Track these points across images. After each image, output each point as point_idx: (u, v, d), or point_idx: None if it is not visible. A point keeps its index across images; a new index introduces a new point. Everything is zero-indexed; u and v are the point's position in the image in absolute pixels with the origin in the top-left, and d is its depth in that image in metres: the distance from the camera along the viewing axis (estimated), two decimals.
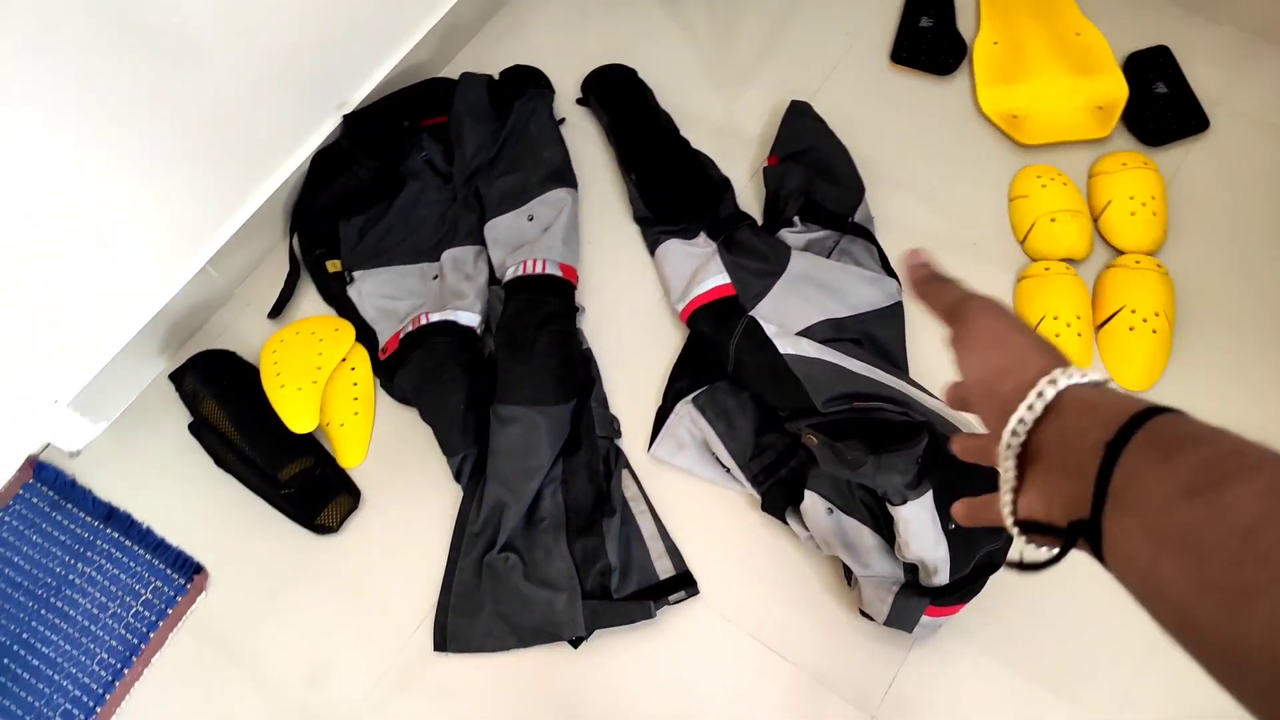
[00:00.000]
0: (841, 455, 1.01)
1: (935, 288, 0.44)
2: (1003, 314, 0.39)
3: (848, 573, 1.10)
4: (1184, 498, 0.28)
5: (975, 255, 1.30)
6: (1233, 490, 0.27)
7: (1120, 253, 1.27)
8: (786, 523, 1.14)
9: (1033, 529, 0.35)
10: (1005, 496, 0.37)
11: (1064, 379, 0.34)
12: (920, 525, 0.98)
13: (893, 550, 1.05)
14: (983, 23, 1.47)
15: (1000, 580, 1.03)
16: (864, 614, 1.07)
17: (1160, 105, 1.36)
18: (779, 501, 1.14)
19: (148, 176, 1.14)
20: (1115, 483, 0.30)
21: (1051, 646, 1.08)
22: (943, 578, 1.00)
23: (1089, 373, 0.35)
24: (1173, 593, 0.28)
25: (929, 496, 0.99)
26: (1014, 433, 0.35)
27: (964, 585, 1.02)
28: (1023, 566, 0.36)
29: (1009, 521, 0.38)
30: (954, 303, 0.42)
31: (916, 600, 1.02)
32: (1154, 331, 1.19)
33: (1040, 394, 0.34)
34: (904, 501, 0.98)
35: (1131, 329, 1.19)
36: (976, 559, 1.01)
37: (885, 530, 1.06)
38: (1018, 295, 1.25)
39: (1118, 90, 1.37)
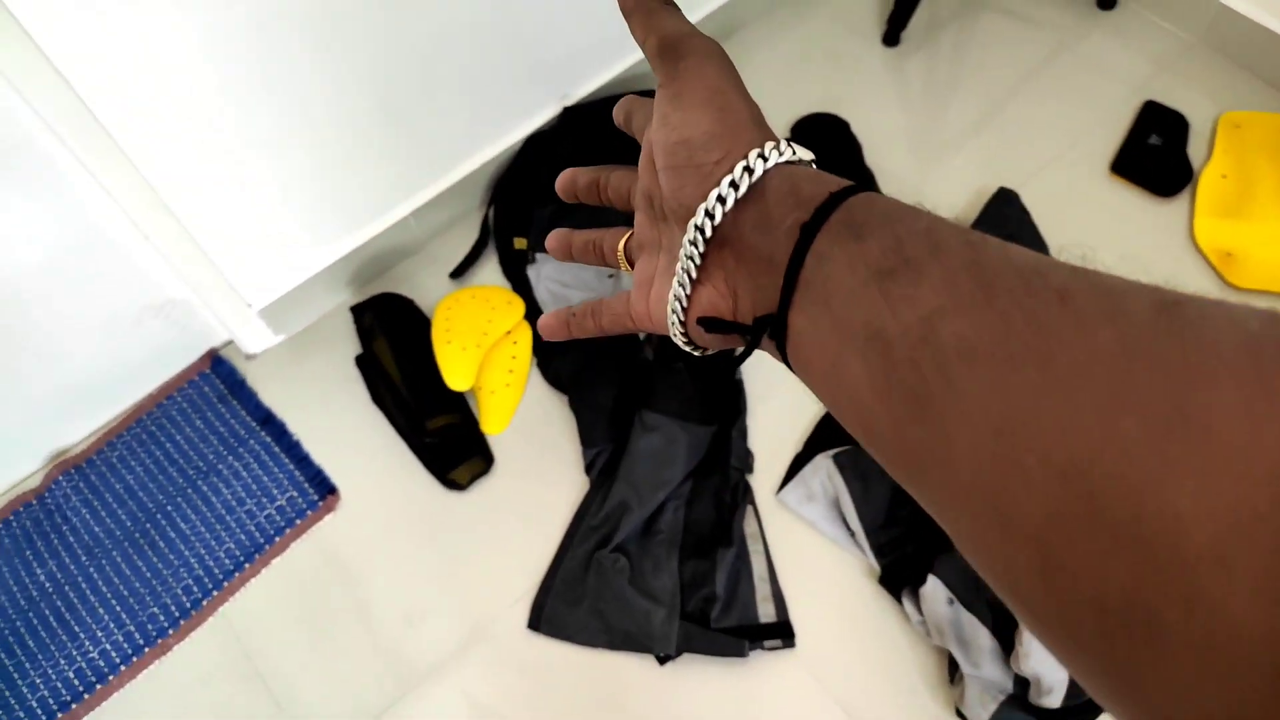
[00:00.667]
0: None
1: (653, 6, 0.33)
2: (730, 70, 0.31)
3: (952, 670, 1.07)
4: (876, 283, 0.24)
5: None
6: (921, 276, 0.23)
7: None
8: (900, 602, 1.11)
9: (715, 327, 0.30)
10: (677, 289, 0.31)
11: (774, 155, 0.28)
12: None
13: (1008, 658, 1.01)
14: (1216, 154, 1.41)
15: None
16: (960, 715, 1.04)
17: None
18: (899, 578, 1.12)
19: (386, 117, 1.23)
20: (806, 271, 0.26)
21: None
22: (1055, 700, 0.96)
23: (802, 151, 0.29)
24: (856, 392, 0.24)
25: None
26: (708, 213, 0.28)
27: (1074, 715, 0.98)
28: (703, 358, 0.33)
29: (673, 317, 0.31)
30: (674, 36, 0.32)
31: (1021, 716, 0.98)
32: None
33: (749, 168, 0.28)
34: None
35: None
36: None
37: (1003, 634, 1.03)
38: None
39: None
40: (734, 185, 0.28)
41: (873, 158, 1.46)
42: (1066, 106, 1.51)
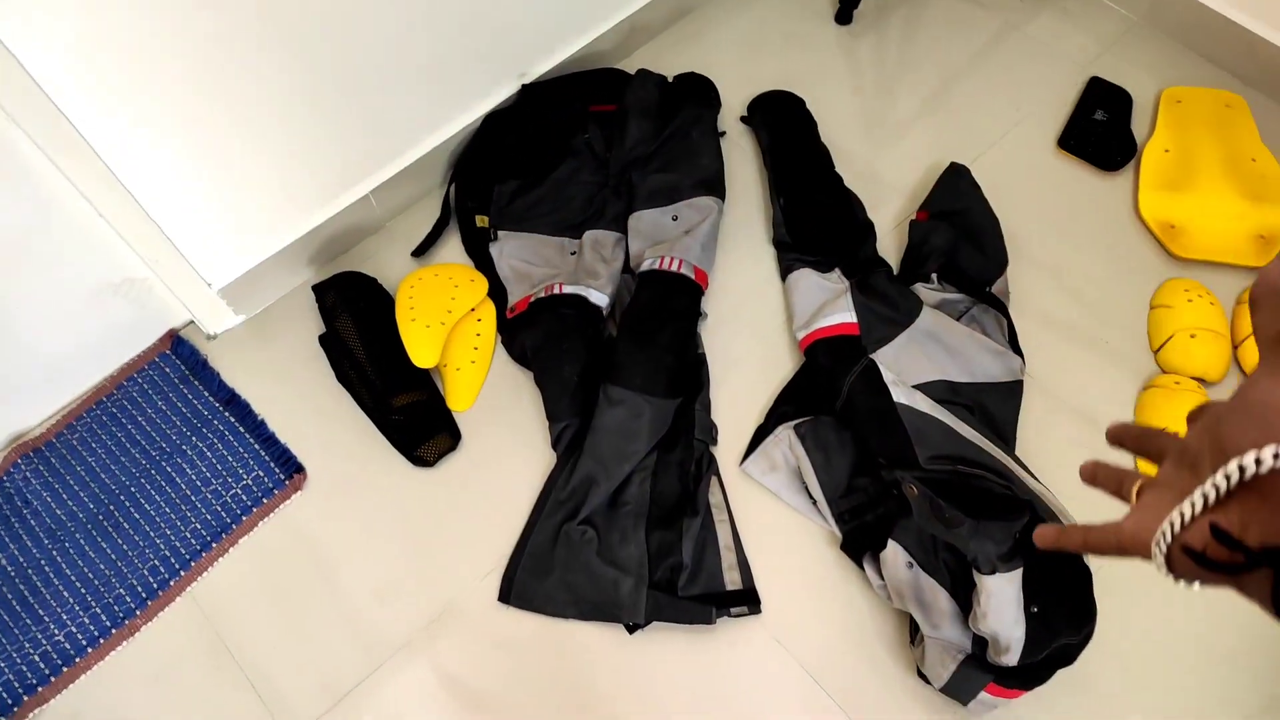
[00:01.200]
0: (940, 512, 1.01)
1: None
2: None
3: (913, 632, 1.11)
4: None
5: (1105, 354, 1.29)
6: None
7: None
8: (862, 567, 1.15)
9: (1225, 539, 0.34)
10: (1186, 507, 0.36)
11: None
12: (1003, 599, 0.98)
13: (966, 619, 1.05)
14: (1158, 128, 1.46)
15: (1065, 677, 1.02)
16: (921, 675, 1.08)
17: None
18: (859, 544, 1.15)
19: (344, 96, 1.22)
20: None
21: None
22: (1012, 658, 1.00)
23: None
24: None
25: (1019, 573, 0.99)
26: (1264, 459, 0.33)
27: (1031, 672, 1.02)
28: (1191, 554, 0.36)
29: (1162, 537, 0.36)
30: None
31: (980, 674, 1.02)
32: None
33: None
34: (993, 572, 0.99)
35: None
36: (1051, 648, 1.00)
37: (962, 596, 1.06)
38: (1141, 403, 1.24)
39: None
40: None
41: (827, 134, 1.49)
42: (1015, 84, 1.55)
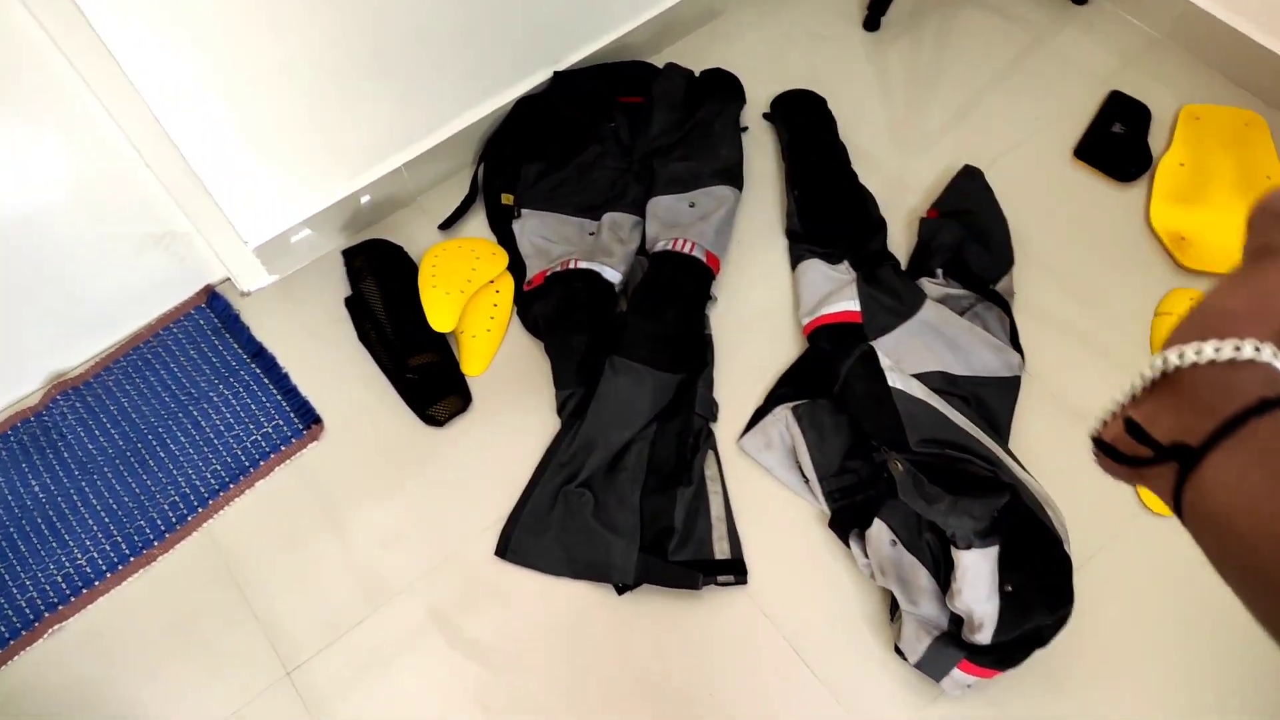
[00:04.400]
0: (921, 487, 1.04)
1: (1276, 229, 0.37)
2: None
3: (893, 609, 1.13)
4: None
5: (1106, 357, 1.31)
6: None
7: None
8: (848, 545, 1.18)
9: (1136, 432, 0.35)
10: (1118, 395, 0.37)
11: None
12: (977, 575, 1.01)
13: (944, 598, 1.07)
14: (1175, 143, 1.48)
15: (1040, 660, 1.04)
16: (898, 651, 1.10)
17: None
18: (847, 522, 1.18)
19: (385, 70, 1.29)
20: (1251, 428, 0.31)
21: None
22: (985, 636, 1.03)
23: None
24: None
25: (995, 550, 1.01)
26: (1185, 353, 0.34)
27: (1005, 652, 1.04)
28: (1101, 446, 0.37)
29: (1110, 416, 0.38)
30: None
31: (953, 651, 1.05)
32: None
33: (1240, 347, 0.33)
34: (969, 547, 1.01)
35: None
36: (1024, 629, 1.02)
37: (942, 578, 1.09)
38: None
39: None
40: (1218, 349, 0.33)
41: (848, 135, 1.53)
42: (1036, 95, 1.57)
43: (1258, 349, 0.33)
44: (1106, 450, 0.37)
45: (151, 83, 1.10)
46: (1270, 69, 1.50)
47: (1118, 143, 1.49)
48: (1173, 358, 0.34)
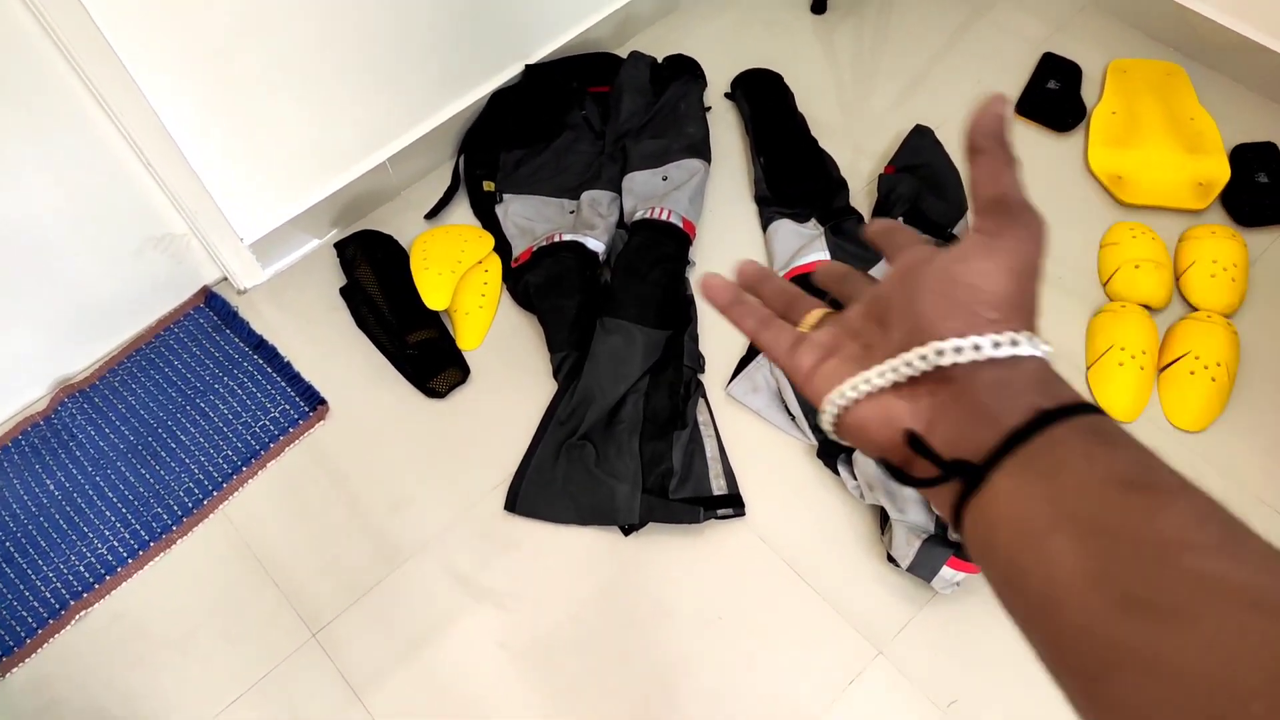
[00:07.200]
0: None
1: (1004, 159, 0.34)
2: (1043, 255, 0.34)
3: (883, 525, 1.21)
4: (1119, 487, 0.26)
5: (1058, 287, 1.41)
6: (1170, 501, 0.26)
7: (1195, 310, 1.36)
8: (837, 472, 1.25)
9: (917, 445, 0.32)
10: (871, 377, 0.33)
11: (1044, 348, 0.31)
12: None
13: (929, 504, 1.15)
14: (1106, 94, 1.60)
15: None
16: (891, 559, 1.17)
17: (1259, 192, 1.46)
18: (833, 450, 1.26)
19: (368, 68, 1.37)
20: (1033, 445, 0.28)
21: None
22: None
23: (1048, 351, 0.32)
24: (1055, 570, 0.26)
25: None
26: (957, 349, 0.31)
27: None
28: (887, 467, 0.34)
29: (841, 398, 0.33)
30: (1015, 198, 0.34)
31: (941, 550, 1.12)
32: (1213, 379, 1.27)
33: (1016, 342, 0.30)
34: None
35: (1192, 373, 1.28)
36: None
37: None
38: (1091, 327, 1.36)
39: (1220, 171, 1.47)
40: (997, 345, 0.30)
41: (804, 109, 1.63)
42: (976, 61, 1.69)
43: (1033, 343, 0.31)
44: (891, 469, 0.33)
45: (152, 80, 1.16)
46: (1185, 24, 1.63)
47: (1054, 98, 1.60)
48: (949, 353, 0.31)
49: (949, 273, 0.32)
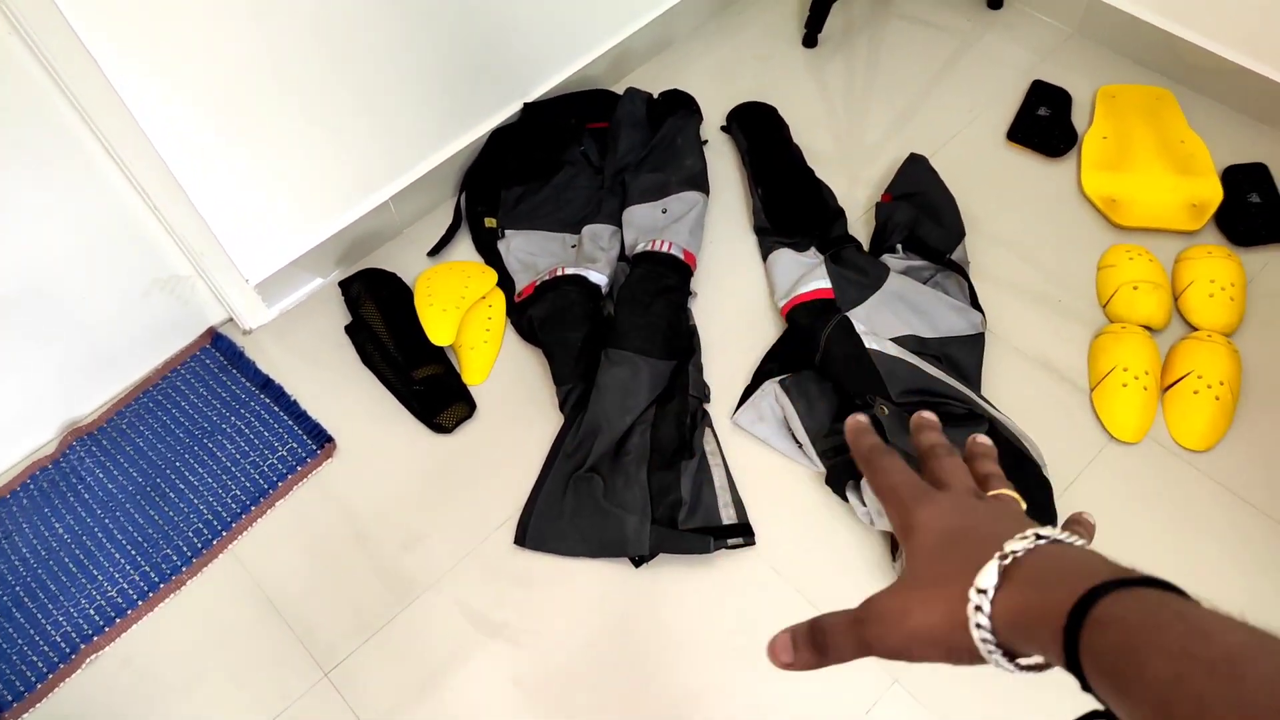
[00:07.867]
0: (907, 424, 1.13)
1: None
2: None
3: (894, 550, 1.21)
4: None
5: (1059, 311, 1.42)
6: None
7: (1195, 330, 1.37)
8: (845, 499, 1.25)
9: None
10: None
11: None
12: None
13: None
14: (1096, 119, 1.62)
15: None
16: None
17: (1252, 212, 1.48)
18: (841, 477, 1.26)
19: (369, 111, 1.39)
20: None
21: None
22: None
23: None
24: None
25: None
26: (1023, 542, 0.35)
27: None
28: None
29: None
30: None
31: None
32: (1217, 398, 1.28)
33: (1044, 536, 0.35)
34: None
35: (1196, 393, 1.29)
36: None
37: None
38: (1093, 349, 1.37)
39: (1213, 192, 1.49)
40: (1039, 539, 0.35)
41: (799, 141, 1.65)
42: (967, 90, 1.72)
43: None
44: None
45: (157, 126, 1.18)
46: (1171, 50, 1.66)
47: (1045, 124, 1.63)
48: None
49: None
